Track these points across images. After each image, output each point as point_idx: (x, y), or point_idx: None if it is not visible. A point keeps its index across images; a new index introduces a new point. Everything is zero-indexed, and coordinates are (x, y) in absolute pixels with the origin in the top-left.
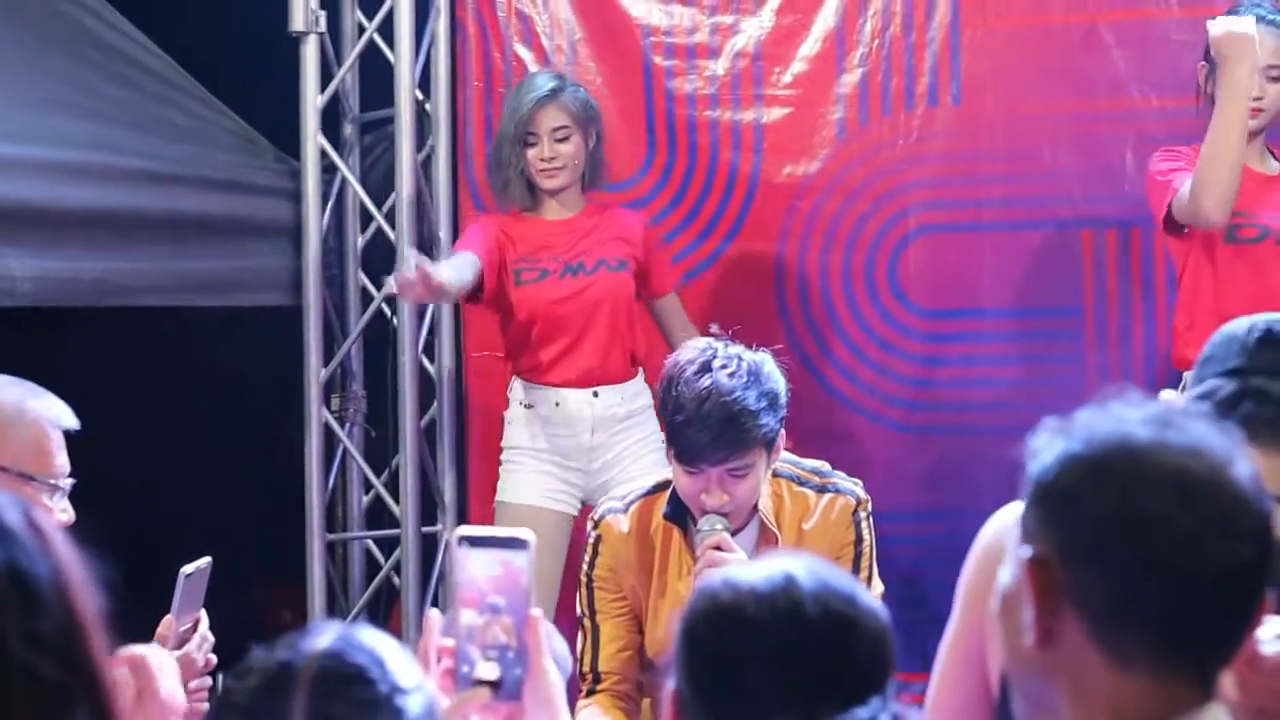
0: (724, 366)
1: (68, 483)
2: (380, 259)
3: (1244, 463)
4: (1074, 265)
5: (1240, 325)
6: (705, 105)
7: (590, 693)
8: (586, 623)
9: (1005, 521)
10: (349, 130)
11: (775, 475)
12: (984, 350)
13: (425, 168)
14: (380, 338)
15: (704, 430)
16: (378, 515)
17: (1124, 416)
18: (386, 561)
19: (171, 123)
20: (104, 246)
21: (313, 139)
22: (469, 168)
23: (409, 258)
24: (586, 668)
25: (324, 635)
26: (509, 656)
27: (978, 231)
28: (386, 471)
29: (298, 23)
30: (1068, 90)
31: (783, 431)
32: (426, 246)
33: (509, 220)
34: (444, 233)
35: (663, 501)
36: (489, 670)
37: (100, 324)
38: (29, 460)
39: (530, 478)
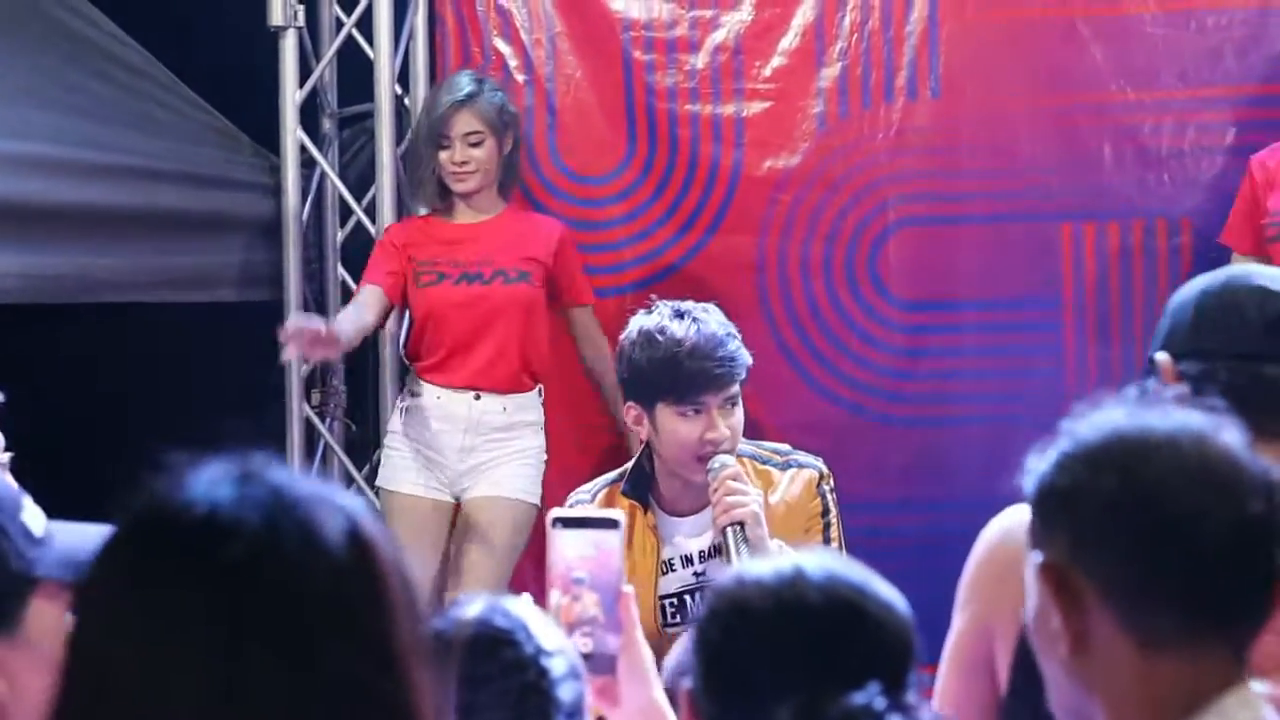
0: (688, 312)
1: (5, 457)
2: (360, 253)
3: (1232, 430)
4: (1053, 258)
5: (1248, 299)
6: (686, 99)
7: None
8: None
9: (1008, 522)
10: (328, 125)
11: (739, 457)
12: (963, 342)
13: (404, 161)
14: None
15: (704, 360)
16: None
17: (1106, 415)
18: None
19: (151, 118)
20: (86, 242)
21: (292, 134)
22: None
23: (294, 321)
24: None
25: (473, 605)
26: (600, 631)
27: (957, 224)
28: (368, 466)
29: (276, 17)
30: (1046, 84)
31: None
32: None
33: (419, 224)
34: None
35: (619, 491)
36: (581, 645)
37: (81, 320)
38: None
39: (406, 467)
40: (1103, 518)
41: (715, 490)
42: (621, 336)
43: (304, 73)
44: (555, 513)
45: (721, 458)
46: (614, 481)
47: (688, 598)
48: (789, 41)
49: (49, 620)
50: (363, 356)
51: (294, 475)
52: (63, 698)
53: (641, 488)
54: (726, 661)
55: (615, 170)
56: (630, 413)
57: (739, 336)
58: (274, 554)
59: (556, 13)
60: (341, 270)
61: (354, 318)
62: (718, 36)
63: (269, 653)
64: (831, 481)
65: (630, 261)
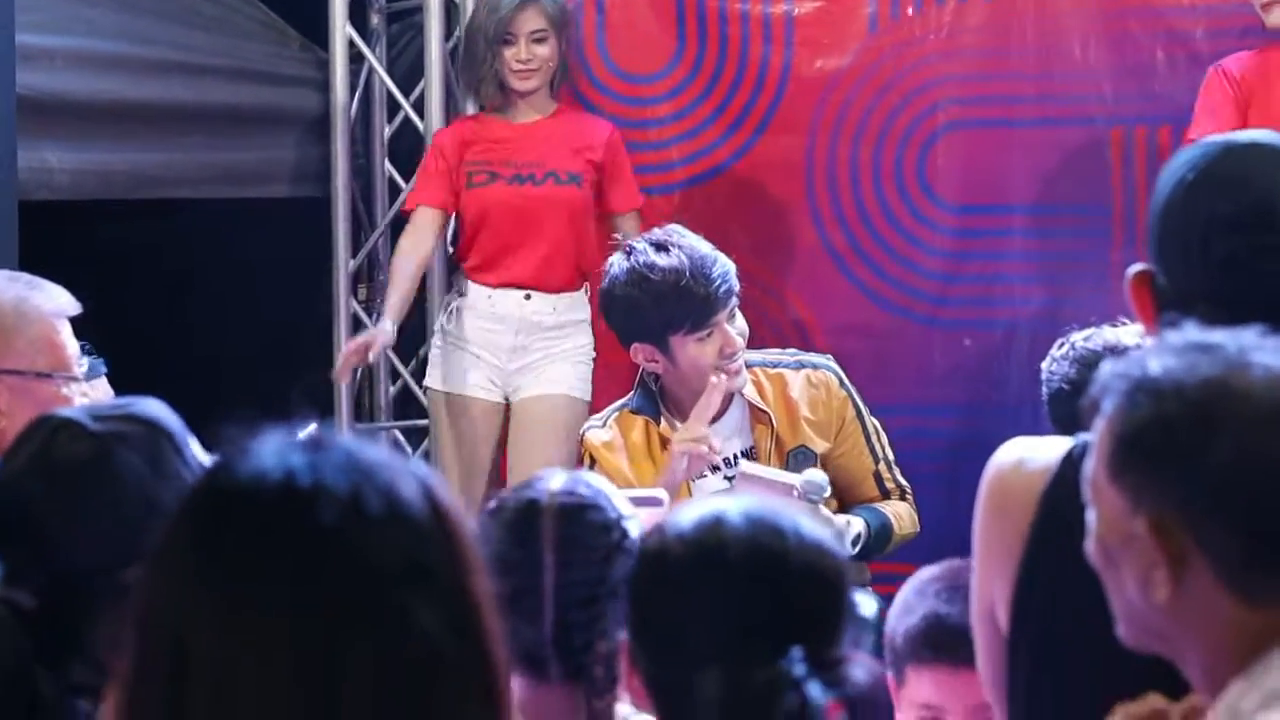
0: (667, 242)
1: (83, 369)
2: (407, 149)
3: None
4: (1102, 163)
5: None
6: None
7: None
8: None
9: (1016, 455)
10: (376, 20)
11: (748, 366)
12: (1010, 246)
13: (453, 57)
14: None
15: (706, 284)
16: (405, 405)
17: (1195, 361)
18: (414, 451)
19: (199, 13)
20: (137, 138)
21: (340, 29)
22: None
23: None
24: None
25: (555, 478)
26: None
27: (1007, 128)
28: (414, 361)
29: None
30: None
31: None
32: None
33: (470, 124)
34: None
35: (637, 418)
36: None
37: (130, 216)
38: (42, 359)
39: (455, 367)
40: (1216, 486)
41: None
42: (603, 284)
43: None
44: (630, 494)
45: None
46: (621, 408)
47: None
48: None
49: None
50: None
51: (359, 441)
52: (139, 669)
53: (650, 405)
54: (654, 616)
55: (664, 69)
56: (640, 354)
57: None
58: (359, 518)
59: None
60: (389, 165)
61: (413, 254)
62: None
63: (357, 619)
64: (845, 375)
65: (678, 161)
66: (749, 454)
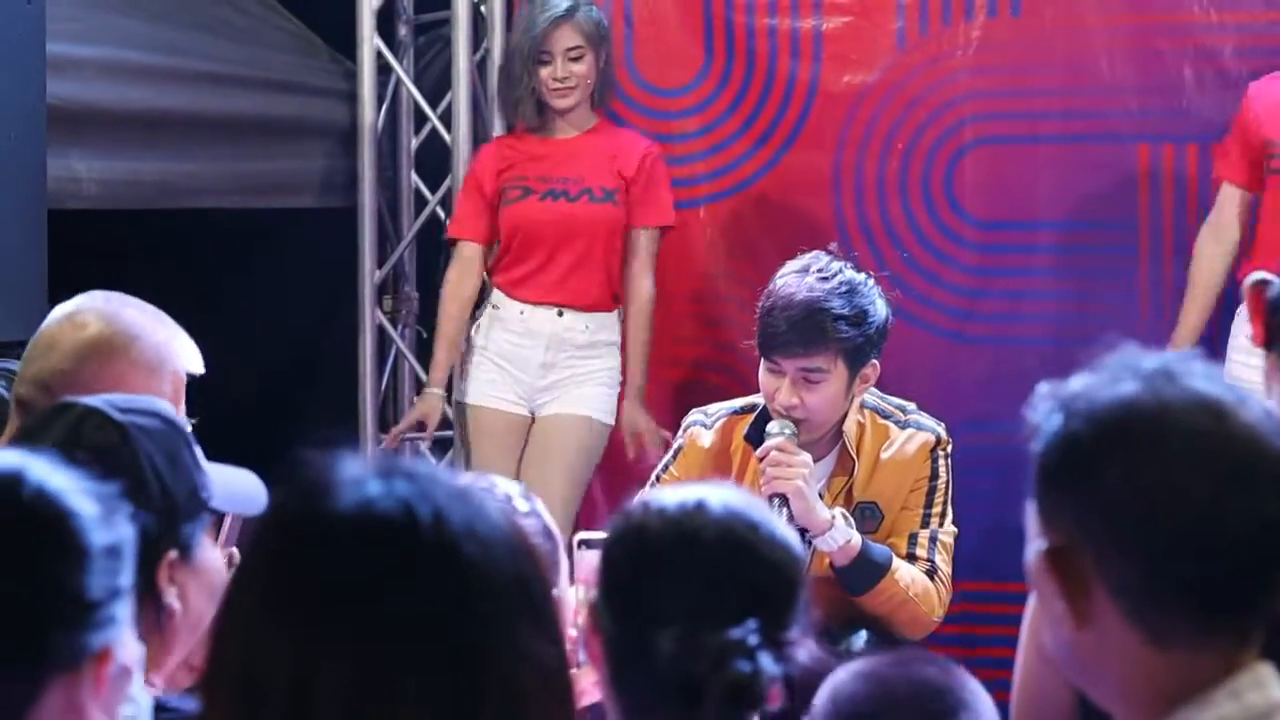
0: (820, 271)
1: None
2: (434, 161)
3: (1254, 404)
4: (1130, 180)
5: None
6: (764, 12)
7: None
8: None
9: None
10: (404, 32)
11: (862, 407)
12: (1037, 262)
13: (480, 70)
14: (433, 240)
15: (783, 321)
16: None
17: (1119, 378)
18: (438, 463)
19: (229, 23)
20: (166, 148)
21: (368, 40)
22: None
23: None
24: None
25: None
26: None
27: (1034, 144)
28: None
29: None
30: (1127, 4)
31: (874, 361)
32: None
33: (508, 142)
34: (497, 134)
35: (746, 423)
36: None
37: (158, 224)
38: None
39: (487, 381)
40: (1111, 515)
41: (762, 459)
42: None
43: None
44: (580, 535)
45: (781, 423)
46: (736, 411)
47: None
48: None
49: (209, 549)
50: (434, 263)
51: (435, 465)
52: (228, 703)
53: (761, 434)
54: (624, 581)
55: (691, 83)
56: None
57: (868, 317)
58: (473, 542)
59: None
60: (415, 177)
61: (458, 295)
62: None
63: (483, 641)
64: (949, 449)
65: (704, 175)
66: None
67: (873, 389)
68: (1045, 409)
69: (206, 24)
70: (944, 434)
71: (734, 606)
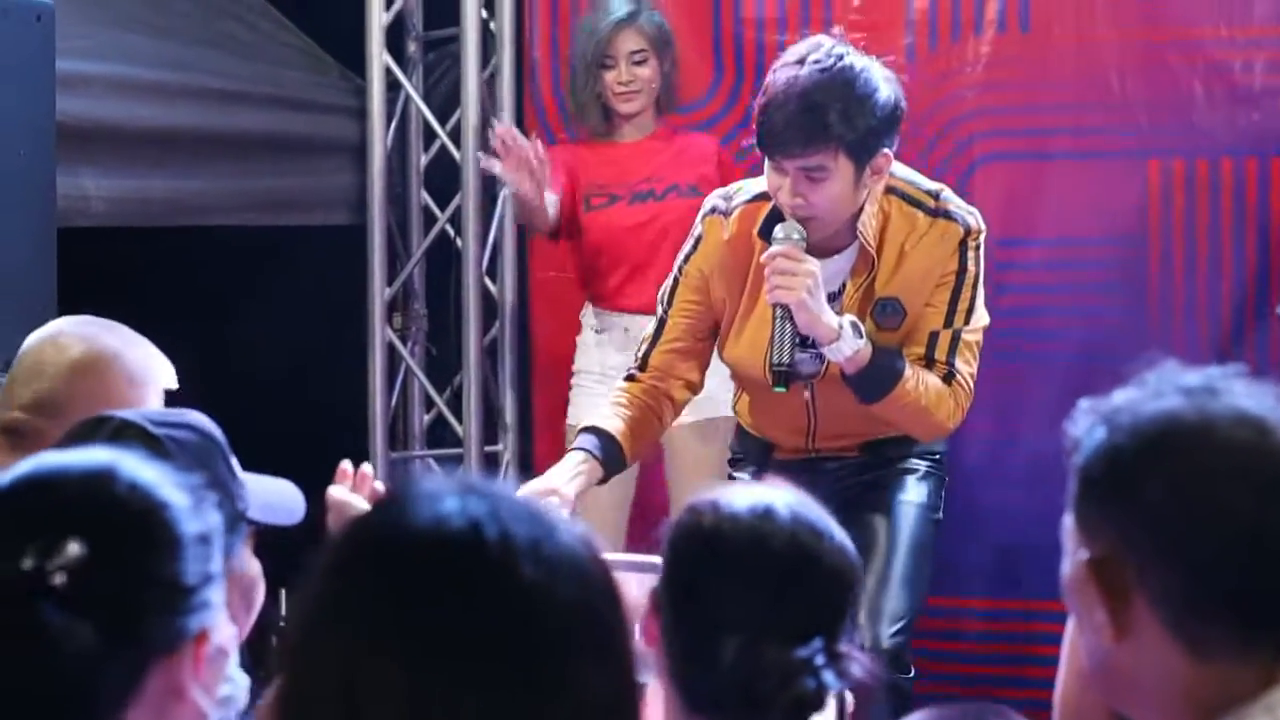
0: (816, 61)
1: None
2: (443, 178)
3: None
4: (1140, 196)
5: None
6: (773, 29)
7: (629, 377)
8: (661, 313)
9: None
10: (413, 48)
11: (888, 192)
12: (1047, 278)
13: (489, 86)
14: (442, 257)
15: (778, 117)
16: (440, 434)
17: (1162, 393)
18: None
19: (237, 39)
20: (175, 165)
21: (378, 57)
22: (534, 87)
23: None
24: (641, 355)
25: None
26: None
27: (1044, 160)
28: (448, 390)
29: None
30: (1138, 19)
31: (886, 150)
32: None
33: (579, 148)
34: None
35: (764, 212)
36: None
37: (167, 242)
38: None
39: (597, 401)
40: (1154, 527)
41: (765, 263)
42: None
43: None
44: (622, 558)
45: (788, 226)
46: (754, 198)
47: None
48: None
49: (247, 559)
50: (444, 281)
51: (513, 488)
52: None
53: (770, 226)
54: (690, 581)
55: (701, 98)
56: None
57: (873, 105)
58: (550, 572)
59: None
60: (424, 194)
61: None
62: None
63: (551, 673)
64: (980, 239)
65: None
66: (834, 297)
67: (905, 168)
68: (1087, 423)
69: (215, 40)
70: (976, 223)
71: (799, 617)
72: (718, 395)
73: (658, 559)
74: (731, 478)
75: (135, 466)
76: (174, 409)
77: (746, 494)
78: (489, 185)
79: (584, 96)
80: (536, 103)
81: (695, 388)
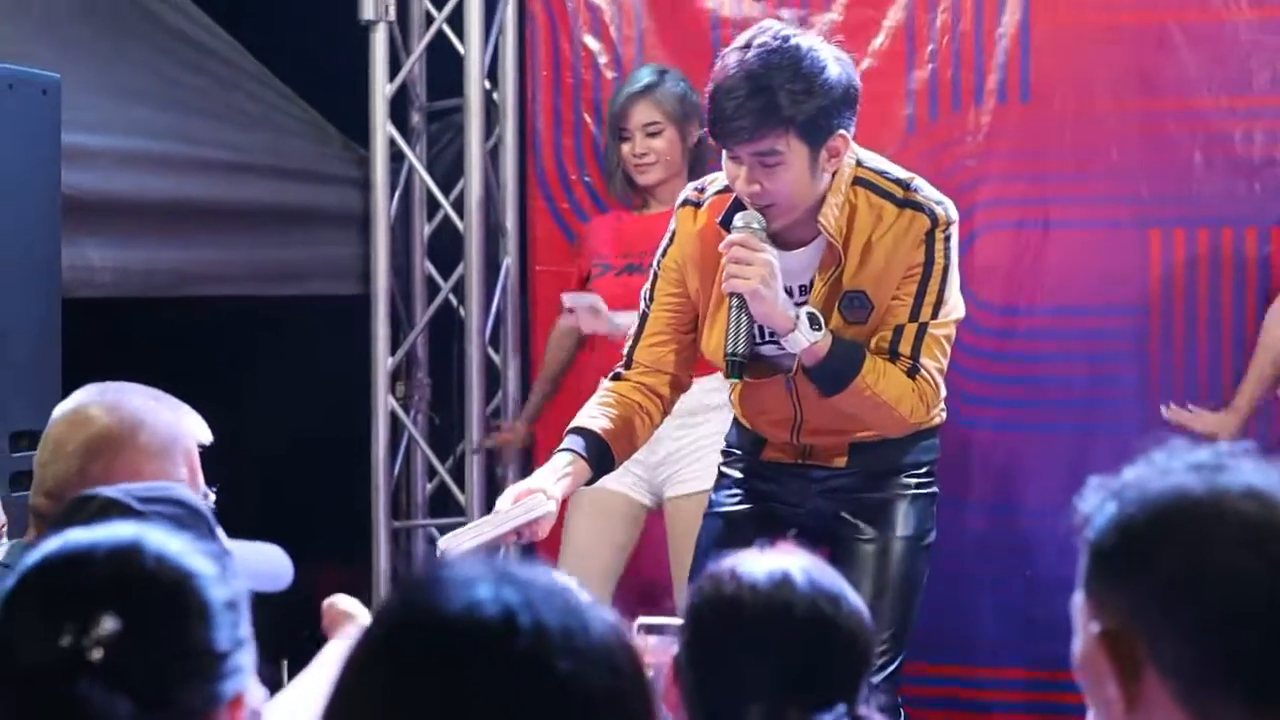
0: (761, 46)
1: (210, 496)
2: (446, 248)
3: None
4: (1141, 265)
5: None
6: None
7: (615, 376)
8: (643, 309)
9: None
10: (416, 119)
11: (856, 184)
12: (1048, 348)
13: (493, 157)
14: (446, 326)
15: (728, 103)
16: (442, 502)
17: (1171, 468)
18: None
19: (242, 111)
20: (181, 237)
21: (382, 128)
22: (537, 157)
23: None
24: (626, 351)
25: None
26: None
27: (1045, 229)
28: (451, 459)
29: (367, 12)
30: (1137, 89)
31: (843, 132)
32: (493, 236)
33: (608, 220)
34: (510, 222)
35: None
36: None
37: (172, 312)
38: (188, 477)
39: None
40: (1165, 597)
41: (723, 252)
42: None
43: (394, 67)
44: (641, 620)
45: (747, 215)
46: (723, 190)
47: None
48: (879, 43)
49: None
50: (447, 350)
51: (547, 571)
52: None
53: (731, 217)
54: (712, 649)
55: None
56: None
57: (823, 85)
58: (579, 660)
59: (646, 9)
60: (428, 264)
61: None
62: None
63: None
64: (949, 230)
65: None
66: (804, 290)
67: (877, 158)
68: (1097, 499)
69: (219, 112)
70: (946, 213)
71: (821, 683)
72: None
73: (674, 620)
74: (722, 474)
75: (160, 538)
76: (157, 483)
77: (763, 562)
78: (492, 255)
79: (610, 165)
80: (539, 172)
81: (683, 385)
